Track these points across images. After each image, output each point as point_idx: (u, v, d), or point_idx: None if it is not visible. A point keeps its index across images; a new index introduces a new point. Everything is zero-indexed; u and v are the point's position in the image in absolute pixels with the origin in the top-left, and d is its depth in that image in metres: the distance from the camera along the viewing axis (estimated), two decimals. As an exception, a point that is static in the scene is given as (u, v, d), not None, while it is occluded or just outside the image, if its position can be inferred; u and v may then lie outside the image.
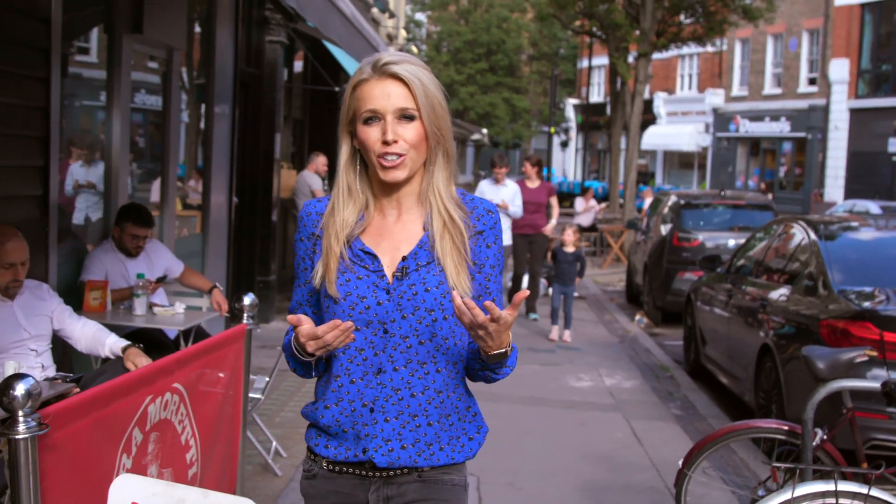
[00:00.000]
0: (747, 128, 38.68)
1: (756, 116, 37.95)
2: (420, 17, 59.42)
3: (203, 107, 9.19)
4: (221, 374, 4.45)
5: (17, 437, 2.72)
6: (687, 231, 13.10)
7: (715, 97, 40.31)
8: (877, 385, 4.03)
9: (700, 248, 12.68)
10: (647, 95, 41.01)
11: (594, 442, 7.03)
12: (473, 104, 52.42)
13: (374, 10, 18.42)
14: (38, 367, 4.58)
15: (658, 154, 45.60)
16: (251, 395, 5.73)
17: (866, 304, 6.07)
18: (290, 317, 2.35)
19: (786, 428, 4.63)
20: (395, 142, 2.34)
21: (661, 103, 43.79)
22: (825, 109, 33.37)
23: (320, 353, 2.33)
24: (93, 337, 4.78)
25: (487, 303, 2.22)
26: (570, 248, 11.16)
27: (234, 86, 9.64)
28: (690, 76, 42.78)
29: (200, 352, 4.18)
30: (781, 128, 36.42)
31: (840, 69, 32.65)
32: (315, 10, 8.67)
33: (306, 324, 2.31)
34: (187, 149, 9.20)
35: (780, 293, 7.24)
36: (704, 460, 4.90)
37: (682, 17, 23.57)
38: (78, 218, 7.11)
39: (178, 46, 7.98)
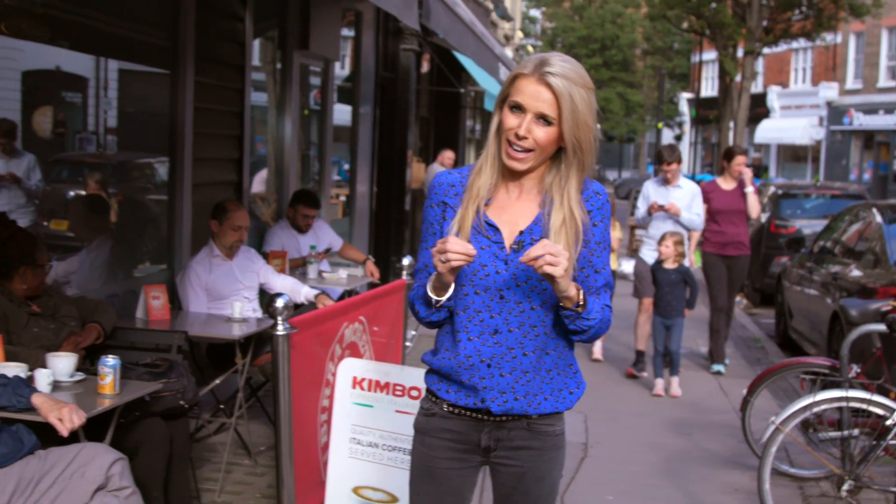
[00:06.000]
0: (861, 121, 38.75)
1: (870, 109, 38.01)
2: (535, 13, 60.54)
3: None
4: (388, 315, 5.88)
5: (278, 333, 4.16)
6: (784, 219, 14.15)
7: (829, 90, 40.41)
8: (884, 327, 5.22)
9: (796, 234, 13.71)
10: (760, 89, 41.36)
11: (685, 392, 8.25)
12: (587, 99, 53.10)
13: (493, 15, 19.77)
14: (251, 310, 6.08)
15: (772, 148, 45.80)
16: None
17: (916, 274, 7.19)
18: (439, 242, 2.59)
19: (828, 364, 5.84)
20: (526, 137, 2.63)
21: (774, 97, 44.00)
22: (940, 102, 33.41)
23: (441, 269, 2.59)
24: (291, 287, 6.28)
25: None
26: (670, 265, 8.20)
27: (375, 89, 11.13)
28: (804, 70, 42.91)
29: (376, 295, 5.61)
30: (896, 121, 36.48)
31: (955, 62, 32.68)
32: (441, 23, 10.05)
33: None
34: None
35: (849, 268, 8.36)
36: (764, 390, 6.15)
37: (792, 14, 24.23)
38: None
39: (333, 58, 9.49)
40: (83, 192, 6.85)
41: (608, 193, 2.82)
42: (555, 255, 2.50)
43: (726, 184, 9.01)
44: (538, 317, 2.71)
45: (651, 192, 8.83)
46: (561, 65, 2.61)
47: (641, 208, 8.91)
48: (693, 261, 8.91)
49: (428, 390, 2.85)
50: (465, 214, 2.71)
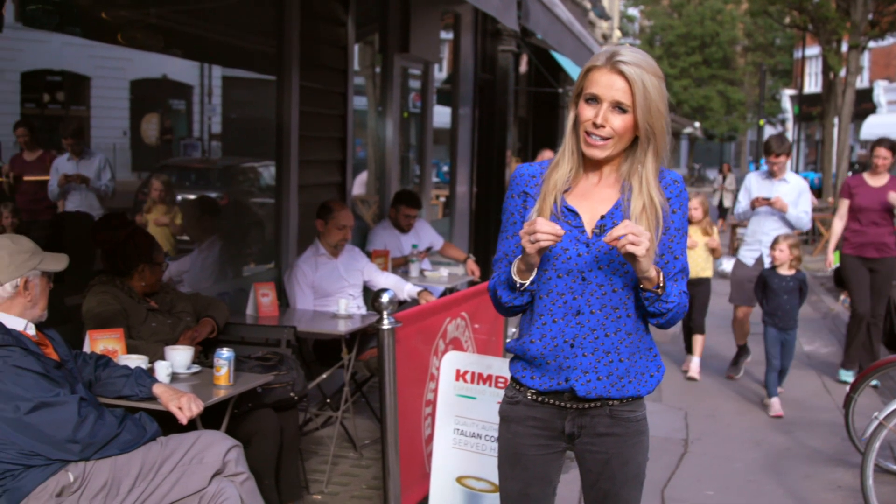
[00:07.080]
0: (974, 115, 37.51)
1: (984, 103, 36.78)
2: (633, 11, 60.04)
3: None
4: (488, 312, 5.99)
5: (383, 327, 4.32)
6: (891, 216, 13.81)
7: (939, 84, 39.22)
8: None
9: (903, 231, 13.38)
10: (866, 84, 40.32)
11: (788, 390, 8.17)
12: (687, 97, 52.65)
13: (591, 14, 19.75)
14: (356, 307, 6.26)
15: (879, 144, 44.57)
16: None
17: None
18: (526, 224, 2.63)
19: (934, 361, 5.76)
20: (603, 126, 2.69)
21: (881, 92, 42.81)
22: None
23: (530, 250, 2.62)
24: (395, 284, 6.44)
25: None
26: (786, 271, 7.47)
27: (473, 90, 11.27)
28: (913, 63, 41.68)
29: (477, 292, 5.72)
30: None
31: None
32: (539, 24, 10.14)
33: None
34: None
35: (958, 264, 8.19)
36: (867, 387, 6.08)
37: (898, 6, 23.62)
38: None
39: (433, 60, 9.65)
40: (191, 196, 7.14)
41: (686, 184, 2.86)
42: (637, 235, 2.55)
43: (873, 180, 8.27)
44: (620, 299, 2.76)
45: (754, 185, 8.29)
46: (631, 54, 2.69)
47: (743, 202, 8.34)
48: (832, 261, 8.55)
49: (512, 378, 2.92)
50: (543, 205, 2.78)
